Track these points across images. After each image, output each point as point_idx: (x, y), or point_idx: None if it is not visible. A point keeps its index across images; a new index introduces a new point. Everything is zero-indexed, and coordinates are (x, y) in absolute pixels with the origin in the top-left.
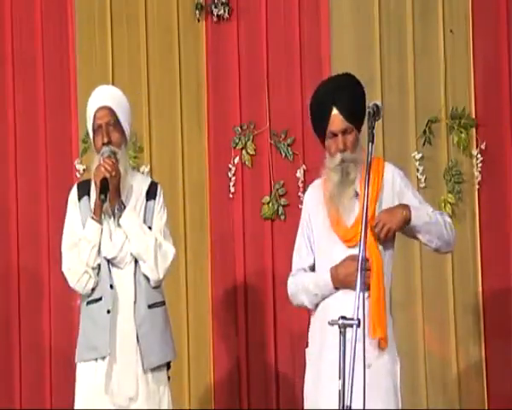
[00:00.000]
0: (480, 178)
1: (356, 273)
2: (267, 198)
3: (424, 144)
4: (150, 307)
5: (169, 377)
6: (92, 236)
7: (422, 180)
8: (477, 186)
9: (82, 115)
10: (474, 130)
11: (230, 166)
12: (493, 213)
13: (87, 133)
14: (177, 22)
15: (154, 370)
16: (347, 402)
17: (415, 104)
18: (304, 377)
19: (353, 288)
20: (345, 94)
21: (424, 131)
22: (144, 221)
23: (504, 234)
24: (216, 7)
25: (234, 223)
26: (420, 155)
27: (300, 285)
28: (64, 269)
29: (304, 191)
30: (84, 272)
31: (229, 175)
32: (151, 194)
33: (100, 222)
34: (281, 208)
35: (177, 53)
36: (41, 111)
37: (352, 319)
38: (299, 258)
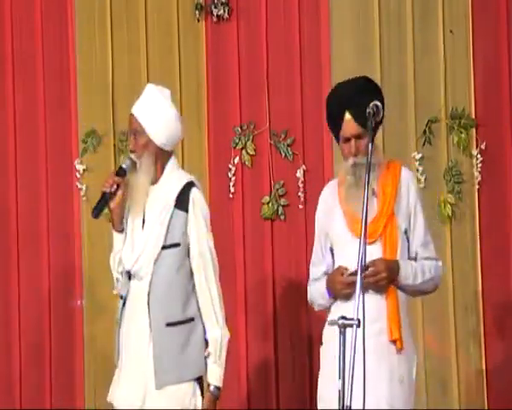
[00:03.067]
0: (479, 179)
1: (340, 285)
2: (267, 198)
3: (424, 144)
4: (169, 325)
5: (202, 391)
6: (115, 244)
7: (422, 180)
8: (477, 186)
9: (82, 115)
10: (473, 130)
11: (230, 166)
12: (493, 213)
13: (87, 133)
14: (177, 22)
15: (171, 386)
16: (347, 402)
17: (415, 104)
18: (317, 376)
19: (343, 298)
20: (358, 99)
21: (424, 132)
22: (167, 235)
23: (504, 234)
24: (216, 7)
25: (234, 223)
26: (420, 155)
27: (317, 292)
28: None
29: (304, 191)
30: (116, 278)
31: (229, 175)
32: (182, 201)
33: (118, 230)
34: (281, 208)
35: (177, 53)
36: (41, 111)
37: (352, 319)
38: (314, 267)
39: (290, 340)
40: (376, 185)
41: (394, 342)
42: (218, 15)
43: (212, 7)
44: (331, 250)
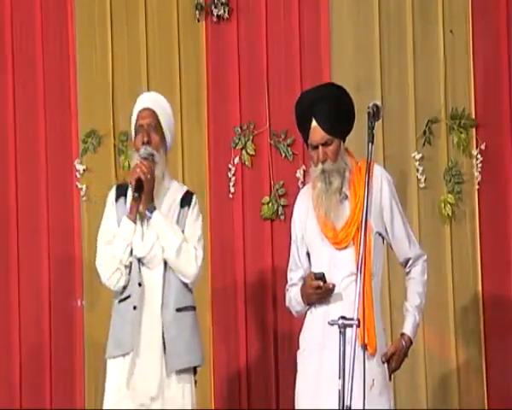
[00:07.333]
0: (480, 179)
1: (311, 290)
2: (267, 198)
3: (424, 145)
4: (179, 310)
5: (196, 382)
6: (126, 234)
7: (422, 180)
8: (477, 186)
9: (82, 115)
10: (473, 130)
11: (230, 166)
12: (493, 213)
13: (87, 133)
14: (177, 22)
15: (178, 373)
16: (347, 402)
17: (415, 104)
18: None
19: (314, 303)
20: (325, 106)
21: (424, 132)
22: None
23: (504, 234)
24: (216, 7)
25: (234, 223)
26: (420, 155)
27: (294, 298)
28: (97, 264)
29: None
30: (117, 269)
31: (229, 175)
32: (185, 202)
33: (134, 221)
34: (280, 208)
35: (176, 53)
36: (41, 111)
37: (351, 319)
38: (291, 272)
39: (290, 340)
40: (348, 189)
41: (366, 346)
42: (218, 15)
43: (212, 7)
44: (308, 255)
